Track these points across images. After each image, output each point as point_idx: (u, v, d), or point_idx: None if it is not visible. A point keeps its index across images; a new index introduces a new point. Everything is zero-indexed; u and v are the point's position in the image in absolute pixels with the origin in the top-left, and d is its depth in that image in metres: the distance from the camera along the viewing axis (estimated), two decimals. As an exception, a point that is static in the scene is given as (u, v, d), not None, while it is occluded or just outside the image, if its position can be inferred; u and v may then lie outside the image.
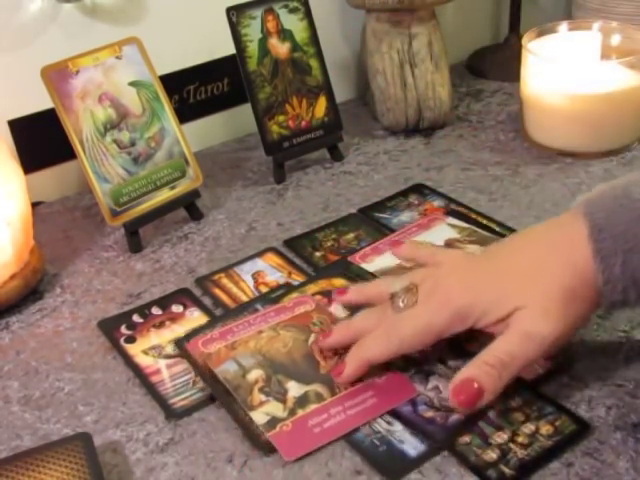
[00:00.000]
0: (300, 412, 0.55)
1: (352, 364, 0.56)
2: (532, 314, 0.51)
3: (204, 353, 0.61)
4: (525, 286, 0.52)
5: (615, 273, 0.49)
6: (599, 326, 0.62)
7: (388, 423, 0.54)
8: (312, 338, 0.62)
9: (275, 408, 0.55)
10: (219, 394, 0.58)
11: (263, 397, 0.56)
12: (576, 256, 0.51)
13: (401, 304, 0.56)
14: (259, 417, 0.55)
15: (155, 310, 0.69)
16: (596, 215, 0.51)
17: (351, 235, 0.77)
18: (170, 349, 0.63)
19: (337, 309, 0.65)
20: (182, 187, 0.80)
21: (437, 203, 0.81)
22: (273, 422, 0.54)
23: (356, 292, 0.63)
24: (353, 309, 0.65)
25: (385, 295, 0.58)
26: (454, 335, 0.55)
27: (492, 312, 0.53)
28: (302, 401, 0.56)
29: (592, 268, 0.50)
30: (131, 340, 0.65)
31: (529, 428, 0.52)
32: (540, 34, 0.91)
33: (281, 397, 0.56)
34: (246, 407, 0.56)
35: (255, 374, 0.59)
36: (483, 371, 0.51)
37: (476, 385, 0.50)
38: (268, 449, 0.53)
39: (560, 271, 0.51)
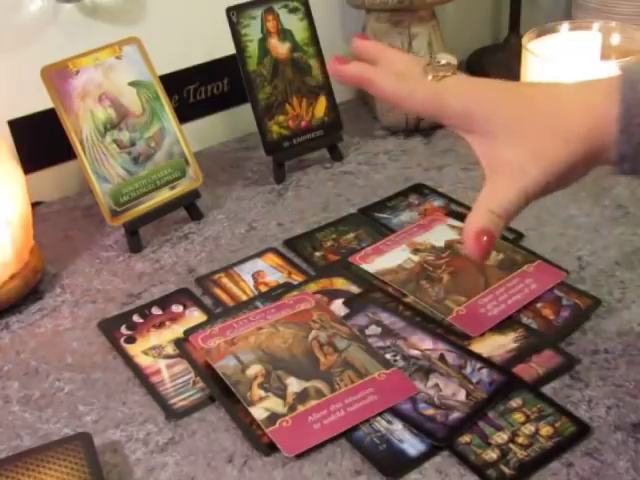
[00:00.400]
0: (300, 408, 0.55)
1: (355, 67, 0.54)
2: (530, 155, 0.49)
3: (203, 349, 0.61)
4: (541, 113, 0.50)
5: (634, 124, 0.47)
6: (599, 326, 0.62)
7: (388, 422, 0.54)
8: (312, 335, 0.62)
9: (275, 404, 0.55)
10: (218, 393, 0.58)
11: (263, 393, 0.56)
12: (598, 100, 0.49)
13: (432, 70, 0.53)
14: (259, 413, 0.55)
15: (155, 310, 0.69)
16: (633, 71, 0.49)
17: (351, 235, 0.77)
18: (170, 349, 0.63)
19: (337, 307, 0.65)
20: (182, 187, 0.80)
21: (437, 203, 0.81)
22: (273, 418, 0.54)
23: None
24: (354, 308, 0.65)
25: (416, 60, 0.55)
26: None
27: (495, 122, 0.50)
28: (302, 397, 0.56)
29: (613, 113, 0.47)
30: (131, 340, 0.65)
31: (529, 429, 0.52)
32: (540, 34, 0.91)
33: (281, 393, 0.56)
34: (246, 403, 0.56)
35: (254, 369, 0.58)
36: (490, 221, 0.50)
37: (486, 238, 0.49)
38: (268, 449, 0.53)
39: (577, 111, 0.49)
